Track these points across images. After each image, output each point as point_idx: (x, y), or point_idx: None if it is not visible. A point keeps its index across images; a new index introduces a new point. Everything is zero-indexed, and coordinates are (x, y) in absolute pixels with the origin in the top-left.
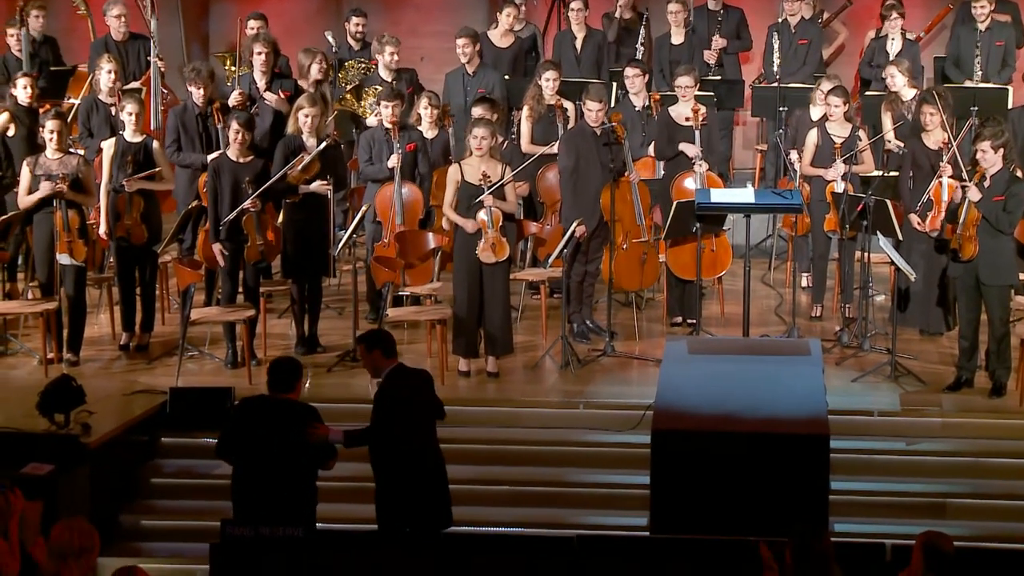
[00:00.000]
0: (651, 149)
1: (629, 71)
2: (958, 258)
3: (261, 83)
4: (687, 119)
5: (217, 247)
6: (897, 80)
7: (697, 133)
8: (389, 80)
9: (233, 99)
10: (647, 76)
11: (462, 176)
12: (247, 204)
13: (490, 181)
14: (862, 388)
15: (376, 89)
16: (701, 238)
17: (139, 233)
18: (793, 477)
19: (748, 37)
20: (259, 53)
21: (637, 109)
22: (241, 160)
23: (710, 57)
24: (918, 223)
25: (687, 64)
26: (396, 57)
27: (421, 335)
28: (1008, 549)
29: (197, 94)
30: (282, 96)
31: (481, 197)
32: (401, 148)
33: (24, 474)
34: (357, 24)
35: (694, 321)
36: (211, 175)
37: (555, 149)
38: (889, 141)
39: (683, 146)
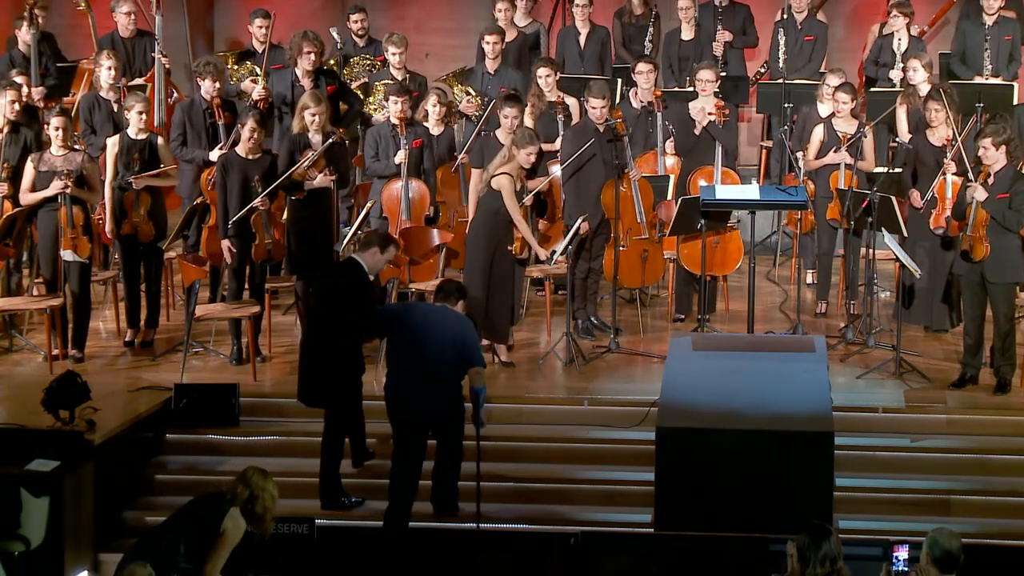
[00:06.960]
0: (669, 145)
1: (641, 66)
2: (969, 258)
3: (306, 82)
4: (710, 113)
5: (226, 243)
6: (918, 74)
7: (722, 130)
8: (399, 79)
9: (256, 93)
10: (657, 72)
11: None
12: (257, 203)
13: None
14: (867, 385)
15: (385, 84)
16: (713, 234)
17: (147, 230)
18: (798, 474)
19: (754, 34)
20: (308, 52)
21: (634, 107)
22: (250, 157)
23: (717, 49)
24: (917, 199)
25: (707, 60)
26: (399, 57)
27: None
28: (1013, 546)
29: (208, 87)
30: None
31: (525, 200)
32: (408, 144)
33: (29, 471)
34: (357, 20)
35: (700, 317)
36: (219, 171)
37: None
38: (895, 137)
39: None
